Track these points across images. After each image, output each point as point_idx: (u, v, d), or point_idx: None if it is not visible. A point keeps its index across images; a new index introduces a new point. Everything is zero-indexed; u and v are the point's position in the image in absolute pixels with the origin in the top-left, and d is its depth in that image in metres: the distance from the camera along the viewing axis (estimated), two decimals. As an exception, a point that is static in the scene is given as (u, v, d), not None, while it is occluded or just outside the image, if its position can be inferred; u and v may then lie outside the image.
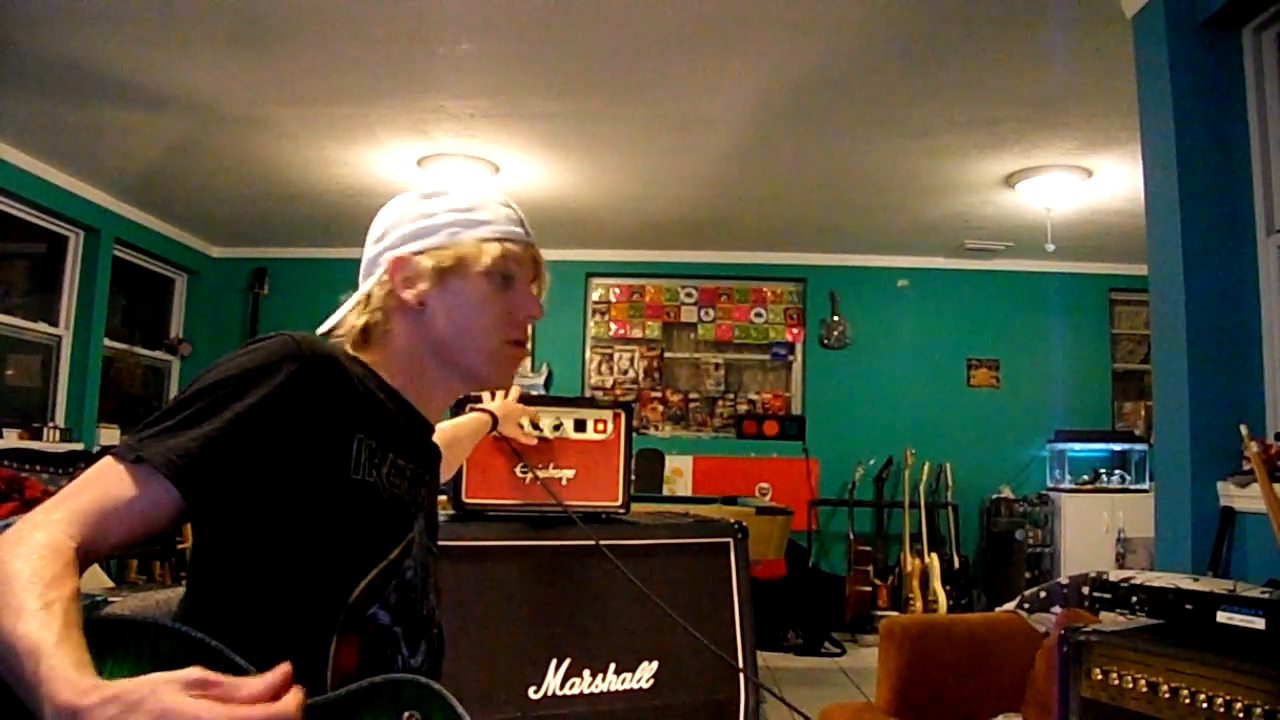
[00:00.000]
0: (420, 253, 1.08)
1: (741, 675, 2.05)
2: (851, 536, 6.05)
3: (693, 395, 6.95)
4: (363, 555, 0.97)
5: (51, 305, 5.57)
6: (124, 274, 6.17)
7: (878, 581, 5.91)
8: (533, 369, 6.64)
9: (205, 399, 0.90)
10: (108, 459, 0.88)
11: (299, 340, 0.96)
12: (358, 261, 1.15)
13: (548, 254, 1.17)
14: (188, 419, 0.89)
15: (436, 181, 1.13)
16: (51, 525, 0.81)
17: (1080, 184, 4.83)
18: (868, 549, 5.94)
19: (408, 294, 1.07)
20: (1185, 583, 1.66)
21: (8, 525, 0.81)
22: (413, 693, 0.90)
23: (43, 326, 5.47)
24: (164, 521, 0.87)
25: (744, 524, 2.20)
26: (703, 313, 6.98)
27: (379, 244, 1.12)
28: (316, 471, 0.94)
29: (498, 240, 1.10)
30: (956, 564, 5.99)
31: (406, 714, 0.89)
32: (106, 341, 5.88)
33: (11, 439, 4.83)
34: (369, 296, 1.09)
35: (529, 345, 1.15)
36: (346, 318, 1.10)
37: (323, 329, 1.11)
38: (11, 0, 3.24)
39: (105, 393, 5.83)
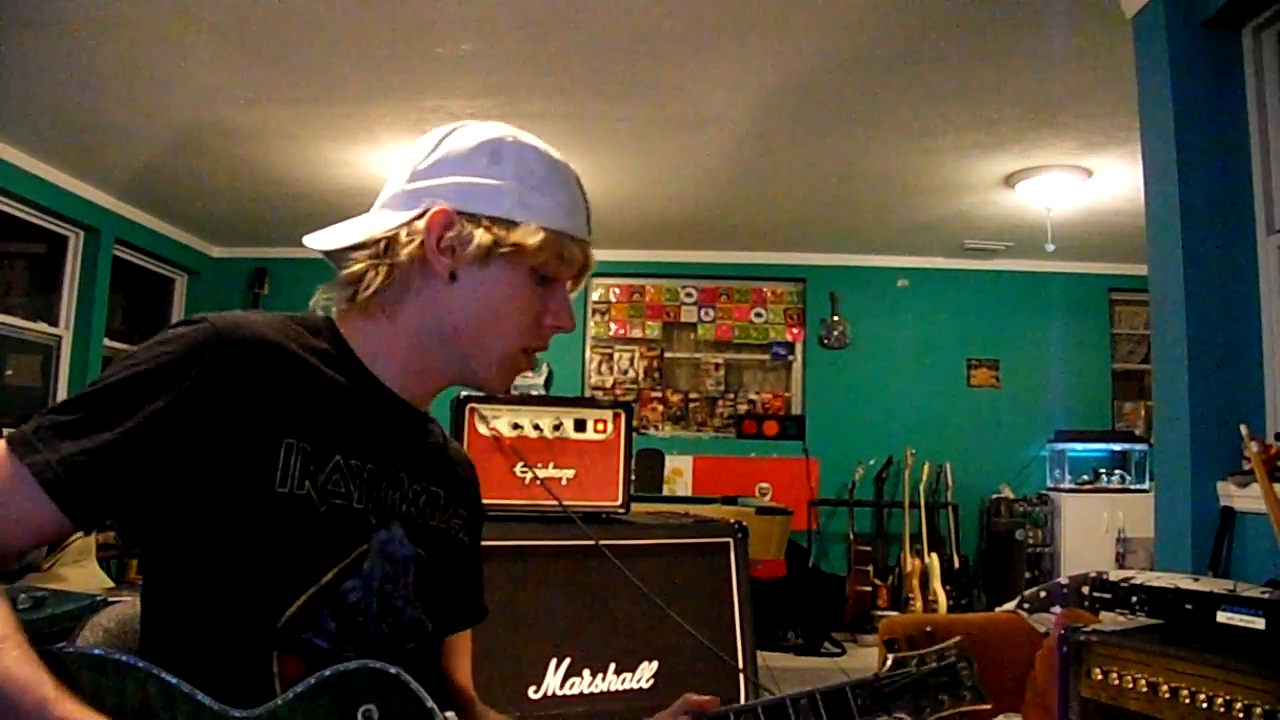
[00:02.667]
0: (473, 217, 0.92)
1: (741, 675, 2.05)
2: (851, 536, 6.05)
3: (693, 395, 6.94)
4: (289, 578, 0.85)
5: (51, 305, 5.57)
6: (124, 274, 6.17)
7: (878, 581, 5.91)
8: (533, 369, 6.64)
9: (111, 396, 0.81)
10: (2, 446, 0.79)
11: (219, 329, 0.85)
12: None
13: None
14: (88, 419, 0.80)
15: (507, 126, 0.96)
16: None
17: (1080, 184, 4.83)
18: (868, 549, 5.93)
19: (442, 261, 0.92)
20: (1185, 583, 1.66)
21: None
22: (366, 682, 0.81)
23: (43, 326, 5.47)
24: (49, 535, 0.79)
25: (744, 524, 2.20)
26: (703, 313, 6.98)
27: (427, 179, 0.95)
28: (234, 484, 0.83)
29: (558, 232, 0.94)
30: (956, 564, 5.99)
31: (362, 710, 0.80)
32: (106, 341, 5.87)
33: (11, 439, 4.83)
34: (393, 241, 0.92)
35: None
36: (361, 268, 0.93)
37: (330, 245, 0.96)
38: (12, 0, 3.24)
39: (105, 393, 5.83)
